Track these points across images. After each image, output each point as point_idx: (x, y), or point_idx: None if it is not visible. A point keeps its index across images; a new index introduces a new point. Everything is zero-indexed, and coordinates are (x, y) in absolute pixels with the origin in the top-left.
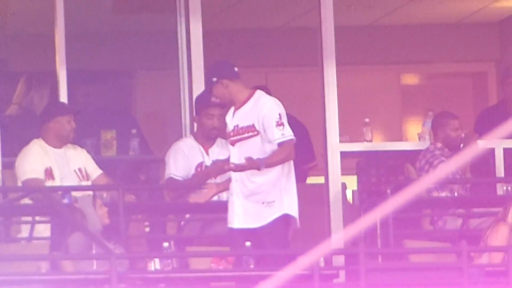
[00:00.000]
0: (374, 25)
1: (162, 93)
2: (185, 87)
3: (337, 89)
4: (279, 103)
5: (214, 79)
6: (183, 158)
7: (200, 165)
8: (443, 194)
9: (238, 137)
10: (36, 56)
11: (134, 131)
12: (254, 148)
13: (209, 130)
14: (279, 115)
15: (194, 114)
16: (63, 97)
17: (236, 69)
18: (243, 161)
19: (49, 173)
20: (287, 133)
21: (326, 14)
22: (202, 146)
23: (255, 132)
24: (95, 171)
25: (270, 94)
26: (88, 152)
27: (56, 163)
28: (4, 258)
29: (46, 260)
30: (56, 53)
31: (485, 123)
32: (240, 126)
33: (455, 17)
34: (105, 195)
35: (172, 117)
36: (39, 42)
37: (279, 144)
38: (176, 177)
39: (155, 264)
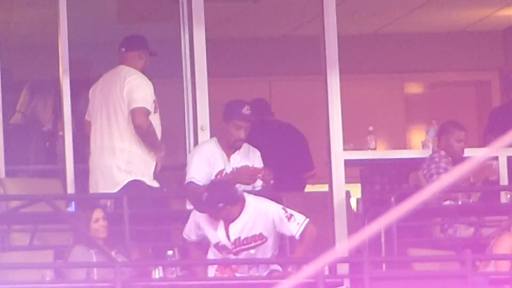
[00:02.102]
0: (377, 34)
1: (165, 102)
2: (189, 95)
3: (341, 98)
4: (271, 202)
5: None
6: (206, 163)
7: (220, 172)
8: (447, 202)
9: (244, 247)
10: (40, 65)
11: None
12: (262, 252)
13: (234, 141)
14: (283, 209)
15: (223, 120)
16: (67, 105)
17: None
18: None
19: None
20: (299, 219)
21: (330, 22)
22: (225, 153)
23: (264, 240)
24: None
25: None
26: None
27: None
28: (8, 266)
29: (50, 268)
30: (59, 61)
31: (499, 120)
32: (243, 238)
33: (459, 26)
34: (108, 203)
35: (175, 126)
36: (43, 51)
37: (301, 235)
38: (197, 182)
39: (159, 272)
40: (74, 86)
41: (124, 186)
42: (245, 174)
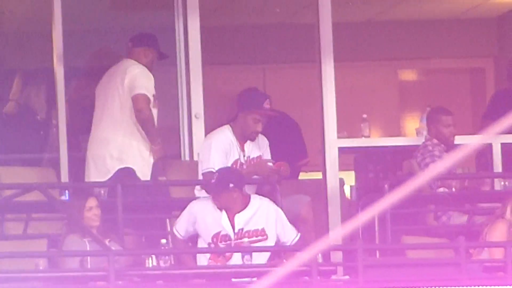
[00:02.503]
0: (371, 21)
1: (159, 90)
2: (183, 83)
3: (335, 85)
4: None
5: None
6: (223, 152)
7: (235, 162)
8: (441, 190)
9: (246, 239)
10: (33, 53)
11: None
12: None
13: (251, 133)
14: (283, 212)
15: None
16: (60, 94)
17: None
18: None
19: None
20: (295, 231)
21: (324, 10)
22: (239, 142)
23: (265, 237)
24: None
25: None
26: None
27: None
28: (2, 255)
29: (43, 257)
30: (53, 50)
31: (499, 106)
32: (245, 230)
33: (453, 13)
34: (102, 192)
35: (170, 114)
36: (37, 39)
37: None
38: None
39: (152, 261)
40: (68, 74)
41: (115, 173)
42: (267, 168)
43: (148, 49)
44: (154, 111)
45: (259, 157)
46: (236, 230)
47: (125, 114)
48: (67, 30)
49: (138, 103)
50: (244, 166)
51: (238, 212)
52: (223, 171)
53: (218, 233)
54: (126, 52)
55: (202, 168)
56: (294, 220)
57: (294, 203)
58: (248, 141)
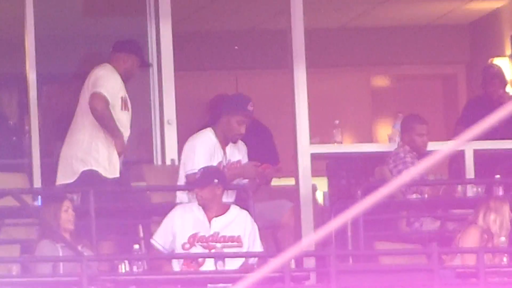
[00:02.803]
0: (344, 28)
1: (131, 95)
2: (155, 89)
3: (307, 91)
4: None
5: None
6: (208, 154)
7: (219, 164)
8: (413, 196)
9: (220, 244)
10: (5, 59)
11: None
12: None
13: (234, 135)
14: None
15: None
16: (33, 100)
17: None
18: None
19: None
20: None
21: (296, 16)
22: (221, 145)
23: (240, 244)
24: None
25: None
26: None
27: None
28: None
29: (16, 262)
30: (26, 56)
31: (472, 113)
32: (221, 234)
33: (425, 19)
34: (75, 197)
35: (142, 120)
36: (8, 45)
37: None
38: None
39: (125, 266)
40: (41, 80)
41: (79, 175)
42: (253, 170)
43: (128, 55)
44: (124, 114)
45: (239, 161)
46: (211, 232)
47: (90, 115)
48: (39, 36)
49: (92, 101)
50: (225, 169)
51: (216, 216)
52: (209, 167)
53: (196, 234)
54: (108, 57)
55: (186, 170)
56: (275, 225)
57: (277, 208)
58: (229, 145)
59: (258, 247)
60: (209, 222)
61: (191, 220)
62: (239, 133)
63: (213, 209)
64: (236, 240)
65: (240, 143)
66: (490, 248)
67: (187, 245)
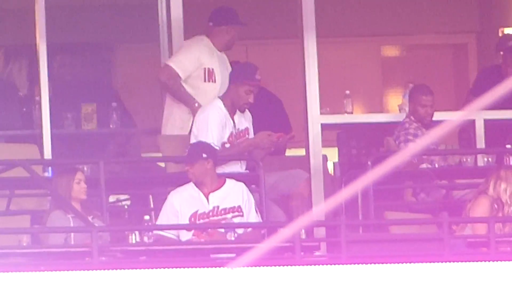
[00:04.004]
0: None
1: (142, 67)
2: (166, 60)
3: (318, 61)
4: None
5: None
6: (221, 126)
7: (231, 134)
8: (423, 165)
9: (220, 217)
10: (16, 30)
11: (114, 104)
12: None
13: (243, 104)
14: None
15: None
16: (43, 70)
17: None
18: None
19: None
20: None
21: None
22: (230, 114)
23: (241, 213)
24: None
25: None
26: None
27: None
28: None
29: (27, 233)
30: (36, 26)
31: (483, 85)
32: (221, 208)
33: None
34: (85, 168)
35: (152, 91)
36: (18, 16)
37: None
38: (216, 146)
39: (136, 237)
40: (51, 51)
41: None
42: (267, 140)
43: (230, 27)
44: (209, 85)
45: (247, 129)
46: (210, 207)
47: None
48: (49, 6)
49: (159, 73)
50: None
51: (213, 191)
52: (196, 144)
53: (196, 212)
54: (207, 29)
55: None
56: (290, 194)
57: (292, 178)
58: (237, 114)
59: (253, 218)
60: (207, 198)
61: (188, 200)
62: (248, 102)
63: (207, 184)
64: (236, 210)
65: (245, 112)
66: (501, 217)
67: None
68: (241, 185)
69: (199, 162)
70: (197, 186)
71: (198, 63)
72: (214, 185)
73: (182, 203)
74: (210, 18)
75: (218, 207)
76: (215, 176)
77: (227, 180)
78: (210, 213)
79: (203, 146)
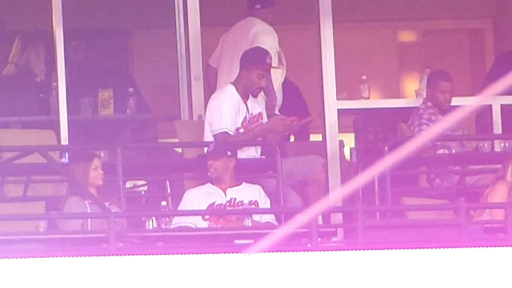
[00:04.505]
0: None
1: (158, 52)
2: (182, 46)
3: (334, 47)
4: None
5: None
6: (234, 111)
7: (245, 119)
8: (440, 151)
9: (238, 208)
10: (33, 15)
11: (131, 89)
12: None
13: (255, 89)
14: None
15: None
16: (60, 55)
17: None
18: None
19: None
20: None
21: None
22: (243, 99)
23: (258, 206)
24: None
25: None
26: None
27: None
28: (2, 217)
29: (43, 219)
30: (52, 11)
31: (500, 70)
32: (238, 200)
33: None
34: (102, 154)
35: (169, 76)
36: (35, 1)
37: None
38: (229, 132)
39: (152, 223)
40: (68, 36)
41: None
42: (280, 124)
43: (270, 9)
44: (278, 70)
45: (260, 114)
46: (228, 198)
47: None
48: None
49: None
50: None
51: (230, 187)
52: (222, 141)
53: (213, 203)
54: (252, 11)
55: (213, 129)
56: (307, 180)
57: (309, 163)
58: (250, 99)
59: (267, 219)
60: (224, 192)
61: (204, 194)
62: (260, 86)
63: (226, 181)
64: (254, 203)
65: (259, 96)
66: None
67: (207, 216)
68: (258, 187)
69: (223, 158)
70: (214, 183)
71: (275, 46)
72: (232, 183)
73: (199, 198)
74: (256, 1)
75: (235, 199)
76: (234, 177)
77: (244, 182)
78: (227, 204)
79: (227, 145)
